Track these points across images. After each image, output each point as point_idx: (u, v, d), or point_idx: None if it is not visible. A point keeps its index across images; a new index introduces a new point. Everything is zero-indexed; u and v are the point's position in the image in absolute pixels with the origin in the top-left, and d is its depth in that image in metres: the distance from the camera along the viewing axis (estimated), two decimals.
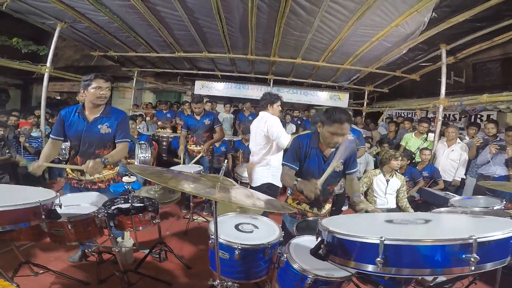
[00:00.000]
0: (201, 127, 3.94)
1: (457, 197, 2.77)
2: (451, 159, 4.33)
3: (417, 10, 3.41)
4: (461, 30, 4.11)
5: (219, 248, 1.41)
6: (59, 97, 11.30)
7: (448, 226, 1.22)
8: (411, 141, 4.97)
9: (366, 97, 8.23)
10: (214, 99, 8.26)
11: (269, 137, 2.81)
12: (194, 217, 3.66)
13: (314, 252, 1.08)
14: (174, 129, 6.73)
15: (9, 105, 10.04)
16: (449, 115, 6.41)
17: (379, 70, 6.07)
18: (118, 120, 2.30)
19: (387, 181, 3.34)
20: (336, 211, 3.69)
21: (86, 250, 2.49)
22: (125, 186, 2.04)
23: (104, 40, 5.79)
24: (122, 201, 2.10)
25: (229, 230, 1.70)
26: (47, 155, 2.21)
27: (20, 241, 1.82)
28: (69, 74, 5.73)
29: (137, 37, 5.42)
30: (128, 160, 4.12)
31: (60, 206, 1.53)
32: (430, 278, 1.39)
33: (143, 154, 2.34)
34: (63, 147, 2.34)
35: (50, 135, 2.30)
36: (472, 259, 0.80)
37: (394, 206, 3.37)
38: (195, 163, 3.88)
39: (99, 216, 1.81)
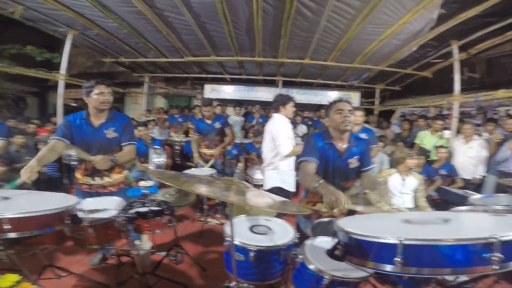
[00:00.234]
0: (212, 131, 3.98)
1: (477, 195, 2.68)
2: (469, 156, 4.22)
3: (424, 7, 3.37)
4: (472, 25, 4.04)
5: (234, 250, 1.42)
6: (74, 104, 11.60)
7: (468, 225, 1.19)
8: (426, 139, 4.87)
9: (377, 96, 8.12)
10: (223, 102, 8.31)
11: None
12: (208, 220, 3.70)
13: (331, 252, 1.08)
14: (186, 133, 6.81)
15: (27, 113, 10.41)
16: (465, 111, 6.25)
17: (390, 68, 5.99)
18: (122, 124, 2.35)
19: (403, 180, 3.28)
20: (350, 212, 3.64)
21: (106, 253, 2.54)
22: (143, 190, 2.08)
23: (115, 46, 5.93)
24: (140, 205, 2.15)
25: (243, 232, 1.71)
26: (40, 158, 1.99)
27: (44, 244, 1.87)
28: (84, 81, 5.89)
29: (146, 43, 5.53)
30: (143, 165, 4.22)
31: (83, 211, 1.58)
32: (451, 278, 1.36)
33: (158, 158, 2.39)
34: (71, 153, 2.35)
35: (53, 137, 2.20)
36: (495, 258, 0.79)
37: (412, 205, 3.30)
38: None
39: (119, 219, 1.85)
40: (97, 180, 2.34)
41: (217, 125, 3.97)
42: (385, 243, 0.91)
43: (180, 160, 5.78)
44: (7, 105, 9.77)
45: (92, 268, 2.54)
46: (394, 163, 3.46)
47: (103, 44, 5.85)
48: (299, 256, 1.47)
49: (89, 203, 2.09)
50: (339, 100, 1.98)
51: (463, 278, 1.36)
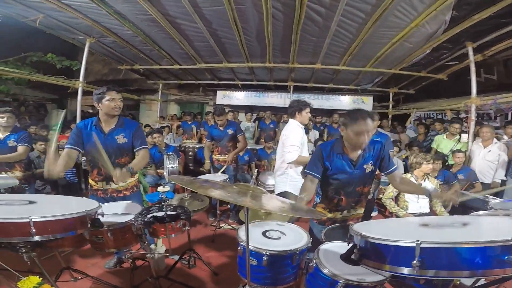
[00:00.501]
0: (225, 137, 4.03)
1: (497, 200, 2.60)
2: (488, 160, 4.09)
3: (436, 9, 3.32)
4: (486, 27, 3.96)
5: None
6: (91, 111, 11.96)
7: (488, 228, 1.17)
8: (443, 143, 4.76)
9: (391, 99, 7.99)
10: (235, 108, 8.40)
11: None
12: (220, 225, 3.72)
13: (346, 257, 1.08)
14: (199, 140, 6.90)
15: (46, 120, 10.81)
16: (483, 114, 6.06)
17: (403, 71, 5.90)
18: (132, 130, 2.40)
19: (419, 185, 3.21)
20: (365, 217, 3.59)
21: (123, 257, 2.59)
22: (160, 196, 2.13)
23: (130, 54, 6.11)
24: (156, 210, 2.19)
25: (257, 237, 1.72)
26: (62, 164, 2.17)
27: (63, 247, 1.93)
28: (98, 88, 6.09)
29: (160, 50, 5.67)
30: (158, 171, 4.30)
31: (102, 215, 1.62)
32: (468, 283, 1.32)
33: (172, 164, 2.44)
34: (84, 159, 2.43)
35: (66, 145, 2.30)
36: None
37: (428, 210, 3.22)
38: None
39: (136, 224, 1.89)
40: (112, 185, 2.39)
41: (230, 131, 4.02)
42: (402, 246, 0.92)
43: (193, 166, 5.85)
44: (29, 112, 10.16)
45: (107, 271, 2.60)
46: (410, 168, 3.40)
47: (119, 52, 6.05)
48: (313, 261, 1.47)
49: (106, 207, 2.16)
50: (360, 119, 1.80)
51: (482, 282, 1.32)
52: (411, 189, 2.22)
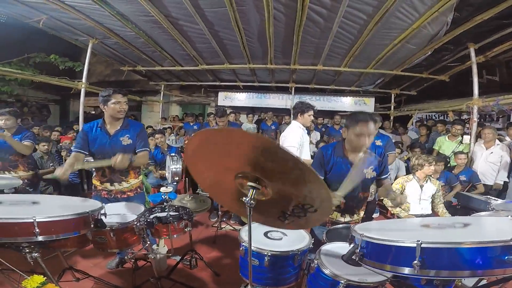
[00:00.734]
0: None
1: (499, 201, 2.60)
2: (490, 161, 4.08)
3: (437, 10, 3.32)
4: (488, 28, 3.96)
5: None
6: (93, 112, 12.01)
7: (489, 228, 1.18)
8: (445, 144, 4.75)
9: (393, 101, 7.98)
10: (237, 109, 8.41)
11: None
12: (222, 226, 3.72)
13: (348, 257, 1.09)
14: None
15: (49, 120, 10.86)
16: (485, 115, 6.04)
17: (405, 73, 5.90)
18: (137, 131, 2.43)
19: (421, 186, 3.21)
20: (366, 218, 3.60)
21: (125, 257, 2.60)
22: (163, 196, 2.14)
23: (132, 55, 6.14)
24: (159, 210, 2.20)
25: (258, 237, 1.72)
26: (70, 164, 2.21)
27: (66, 247, 1.93)
28: (103, 89, 6.11)
29: (162, 52, 5.70)
30: (160, 172, 4.32)
31: (105, 216, 1.63)
32: (471, 283, 1.32)
33: (175, 165, 2.45)
34: (93, 166, 2.46)
35: (73, 148, 2.38)
36: None
37: (430, 212, 3.22)
38: None
39: (139, 224, 1.90)
40: (116, 186, 2.41)
41: None
42: (403, 246, 0.93)
43: None
44: (31, 113, 10.21)
45: (109, 271, 2.60)
46: (412, 170, 3.40)
47: (121, 53, 6.08)
48: (315, 261, 1.47)
49: (109, 208, 2.17)
50: (362, 121, 1.81)
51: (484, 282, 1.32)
52: (381, 192, 2.19)
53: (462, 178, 4.02)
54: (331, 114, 8.25)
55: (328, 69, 5.90)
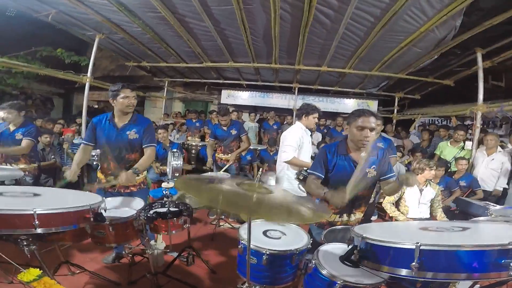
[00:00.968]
0: (228, 137, 4.06)
1: (498, 207, 2.61)
2: (491, 168, 4.06)
3: (446, 14, 3.30)
4: (496, 33, 3.93)
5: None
6: (96, 106, 12.06)
7: (486, 232, 1.19)
8: (447, 149, 4.73)
9: (396, 104, 7.95)
10: (239, 108, 8.41)
11: None
12: (220, 223, 3.73)
13: (346, 258, 1.10)
14: (203, 138, 6.92)
15: (52, 113, 10.92)
16: (488, 121, 6.01)
17: (410, 76, 5.87)
18: (144, 126, 2.45)
19: (421, 190, 3.20)
20: (365, 220, 3.59)
21: (123, 252, 2.61)
22: (164, 192, 2.15)
23: (138, 51, 6.16)
24: (159, 206, 2.21)
25: (257, 236, 1.73)
26: (78, 161, 2.36)
27: (64, 241, 1.94)
28: (107, 84, 6.10)
29: (168, 48, 5.71)
30: (161, 168, 4.33)
31: (105, 210, 1.64)
32: (466, 287, 1.33)
33: (176, 161, 2.46)
34: (93, 153, 2.49)
35: (82, 141, 2.44)
36: None
37: (428, 216, 3.22)
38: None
39: (138, 219, 1.91)
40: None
41: (233, 131, 4.05)
42: (402, 248, 0.94)
43: (196, 164, 5.88)
44: (36, 106, 10.26)
45: (105, 266, 2.60)
46: (412, 173, 3.39)
47: (127, 49, 6.10)
48: (313, 261, 1.48)
49: (110, 202, 2.18)
50: (363, 114, 1.83)
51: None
52: (391, 189, 2.14)
53: (462, 183, 4.02)
54: (333, 115, 8.24)
55: (332, 71, 5.88)
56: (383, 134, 3.75)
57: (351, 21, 3.72)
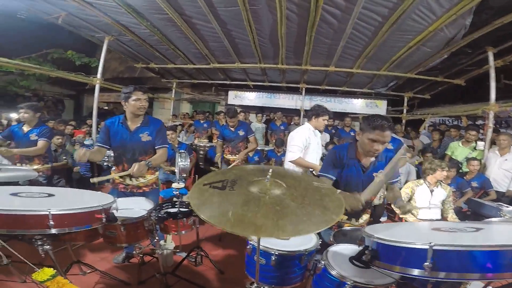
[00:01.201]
0: (236, 138, 4.09)
1: (511, 208, 2.55)
2: (504, 169, 3.98)
3: (455, 13, 3.25)
4: (508, 31, 3.85)
5: (256, 253, 1.44)
6: (106, 107, 12.25)
7: (500, 233, 1.17)
8: (458, 150, 4.64)
9: (405, 104, 7.85)
10: (246, 108, 8.42)
11: None
12: None
13: (357, 258, 1.10)
14: (210, 139, 6.96)
15: (63, 115, 11.13)
16: (501, 121, 5.87)
17: (419, 76, 5.79)
18: (156, 128, 2.48)
19: (431, 191, 3.16)
20: (374, 222, 3.57)
21: (133, 252, 2.64)
22: (174, 192, 2.17)
23: (146, 53, 6.24)
24: (170, 206, 2.23)
25: None
26: (92, 152, 2.31)
27: (76, 241, 1.95)
28: (117, 86, 6.18)
29: (175, 50, 5.77)
30: (170, 167, 4.38)
31: (116, 210, 1.66)
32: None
33: (183, 162, 2.48)
34: (106, 155, 2.52)
35: (96, 143, 2.46)
36: None
37: (439, 217, 3.17)
38: None
39: (149, 219, 1.92)
40: (133, 181, 2.46)
41: (241, 132, 4.07)
42: (415, 248, 0.94)
43: (204, 164, 5.91)
44: (47, 107, 10.49)
45: (115, 266, 2.62)
46: (423, 174, 3.34)
47: (136, 50, 6.19)
48: (322, 262, 1.47)
49: (121, 202, 2.21)
50: (379, 128, 1.74)
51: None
52: (389, 197, 2.14)
53: (474, 184, 3.94)
54: (341, 116, 8.18)
55: (340, 71, 5.84)
56: (393, 135, 3.70)
57: (358, 21, 3.69)
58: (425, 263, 0.89)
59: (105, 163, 4.33)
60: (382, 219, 4.25)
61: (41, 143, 3.38)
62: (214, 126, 7.00)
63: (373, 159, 1.91)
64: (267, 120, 8.33)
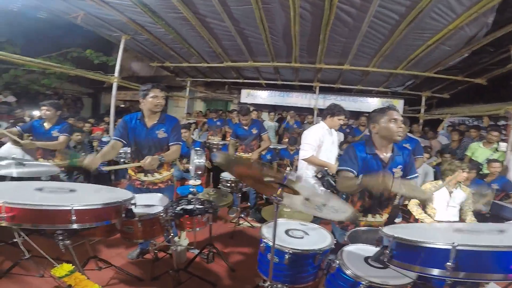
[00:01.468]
0: (249, 136, 4.10)
1: None
2: None
3: (477, 12, 3.14)
4: None
5: (269, 251, 1.45)
6: (123, 105, 12.53)
7: None
8: (479, 151, 4.49)
9: (423, 103, 7.63)
10: (259, 107, 8.43)
11: None
12: (240, 222, 3.77)
13: (376, 258, 1.10)
14: (224, 137, 7.00)
15: (82, 113, 11.48)
16: None
17: (438, 75, 5.62)
18: (172, 125, 2.51)
19: (450, 193, 3.07)
20: (389, 222, 3.50)
21: (148, 248, 2.69)
22: (191, 189, 2.20)
23: (162, 52, 6.37)
24: (186, 203, 2.26)
25: (279, 235, 1.73)
26: (104, 153, 2.29)
27: (95, 236, 1.99)
28: (133, 84, 6.33)
29: (190, 48, 5.85)
30: (185, 165, 4.46)
31: (135, 206, 1.69)
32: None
33: (199, 159, 2.52)
34: (122, 151, 2.55)
35: (113, 137, 2.48)
36: None
37: (457, 219, 3.08)
38: None
39: (165, 215, 1.95)
40: (149, 177, 2.50)
41: (254, 130, 4.09)
42: (437, 248, 0.95)
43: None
44: (67, 105, 10.83)
45: (130, 261, 2.66)
46: (442, 175, 3.25)
47: (151, 49, 6.33)
48: (336, 261, 1.46)
49: (138, 198, 2.25)
50: (392, 108, 1.86)
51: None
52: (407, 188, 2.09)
53: (495, 186, 3.80)
54: (356, 115, 8.05)
55: (355, 69, 5.76)
56: (409, 135, 3.62)
57: (374, 19, 3.63)
58: (447, 263, 0.90)
59: (121, 160, 4.43)
60: (397, 220, 4.16)
61: (62, 138, 3.50)
62: (227, 124, 7.04)
63: (390, 154, 1.88)
64: (279, 118, 8.31)
